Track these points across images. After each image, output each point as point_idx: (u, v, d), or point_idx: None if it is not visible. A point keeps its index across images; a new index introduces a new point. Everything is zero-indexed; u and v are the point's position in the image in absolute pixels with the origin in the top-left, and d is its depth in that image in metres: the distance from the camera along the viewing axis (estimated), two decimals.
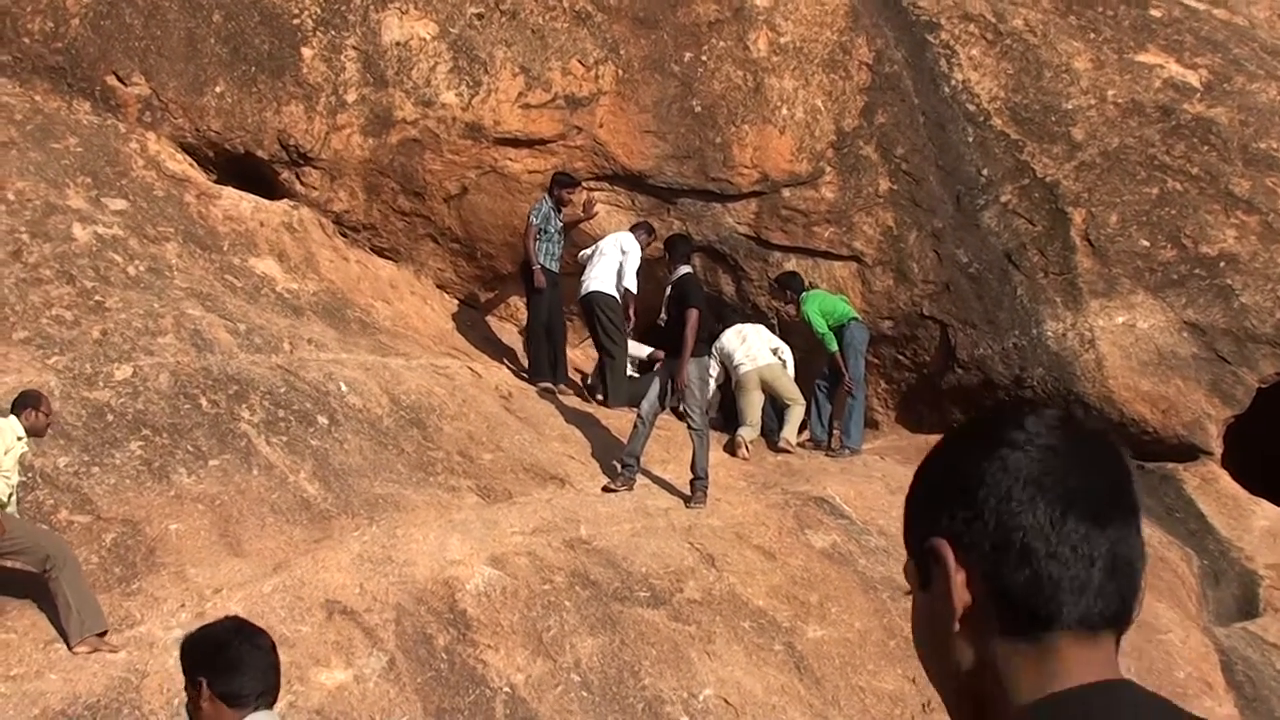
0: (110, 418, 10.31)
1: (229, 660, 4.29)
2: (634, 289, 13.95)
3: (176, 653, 8.68)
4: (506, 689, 8.93)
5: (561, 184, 14.03)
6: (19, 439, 8.92)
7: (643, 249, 14.19)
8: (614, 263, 13.98)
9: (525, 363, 14.24)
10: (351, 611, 9.23)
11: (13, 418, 8.99)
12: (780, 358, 13.92)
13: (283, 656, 8.74)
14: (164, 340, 11.25)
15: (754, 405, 13.63)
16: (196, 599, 9.15)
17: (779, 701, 9.32)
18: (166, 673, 8.56)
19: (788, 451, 13.48)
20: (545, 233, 13.90)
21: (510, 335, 15.01)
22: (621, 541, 10.61)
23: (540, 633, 9.42)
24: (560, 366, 14.10)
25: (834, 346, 13.65)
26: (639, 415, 12.14)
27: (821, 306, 13.82)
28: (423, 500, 10.67)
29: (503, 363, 14.25)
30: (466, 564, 9.86)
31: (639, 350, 14.44)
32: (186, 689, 4.31)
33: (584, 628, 9.55)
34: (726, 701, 9.20)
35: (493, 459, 11.54)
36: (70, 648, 8.60)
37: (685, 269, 12.44)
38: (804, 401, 13.85)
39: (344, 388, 11.56)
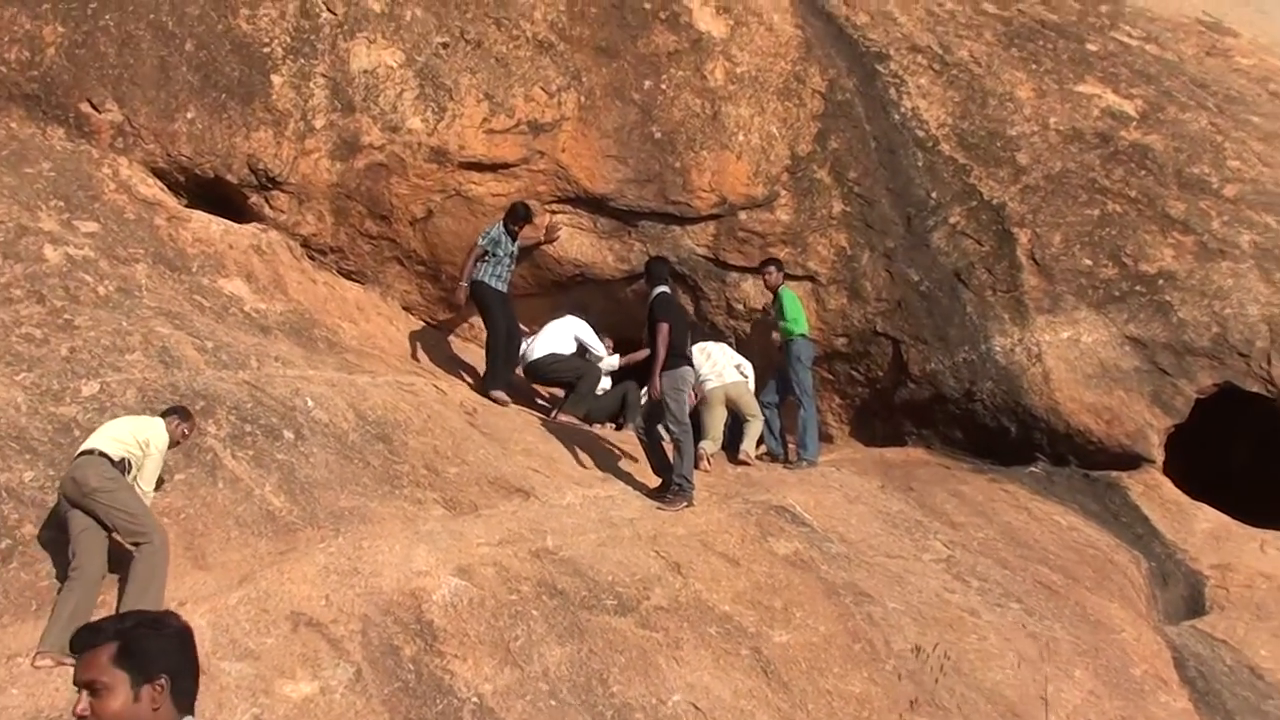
0: (77, 433, 9.67)
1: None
2: (601, 351, 14.00)
3: None
4: (474, 699, 8.32)
5: (514, 217, 13.62)
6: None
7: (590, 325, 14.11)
8: (558, 337, 13.79)
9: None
10: (317, 623, 8.62)
11: (160, 421, 9.21)
12: (743, 374, 13.51)
13: (248, 669, 8.22)
14: (131, 357, 10.67)
15: (717, 421, 13.19)
16: None
17: (747, 706, 8.73)
18: None
19: (747, 464, 13.01)
20: (494, 255, 13.51)
21: (474, 355, 14.46)
22: (587, 551, 10.02)
23: (508, 642, 8.81)
24: (508, 373, 13.64)
25: (798, 330, 13.47)
26: (640, 436, 12.13)
27: (794, 303, 13.69)
28: (389, 512, 10.05)
29: (467, 381, 13.71)
30: (433, 575, 9.24)
31: (610, 361, 13.96)
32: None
33: (551, 636, 8.94)
34: (695, 706, 8.61)
35: (458, 472, 10.94)
36: (35, 655, 8.04)
37: (662, 288, 12.06)
38: (762, 417, 13.43)
39: (310, 403, 10.95)
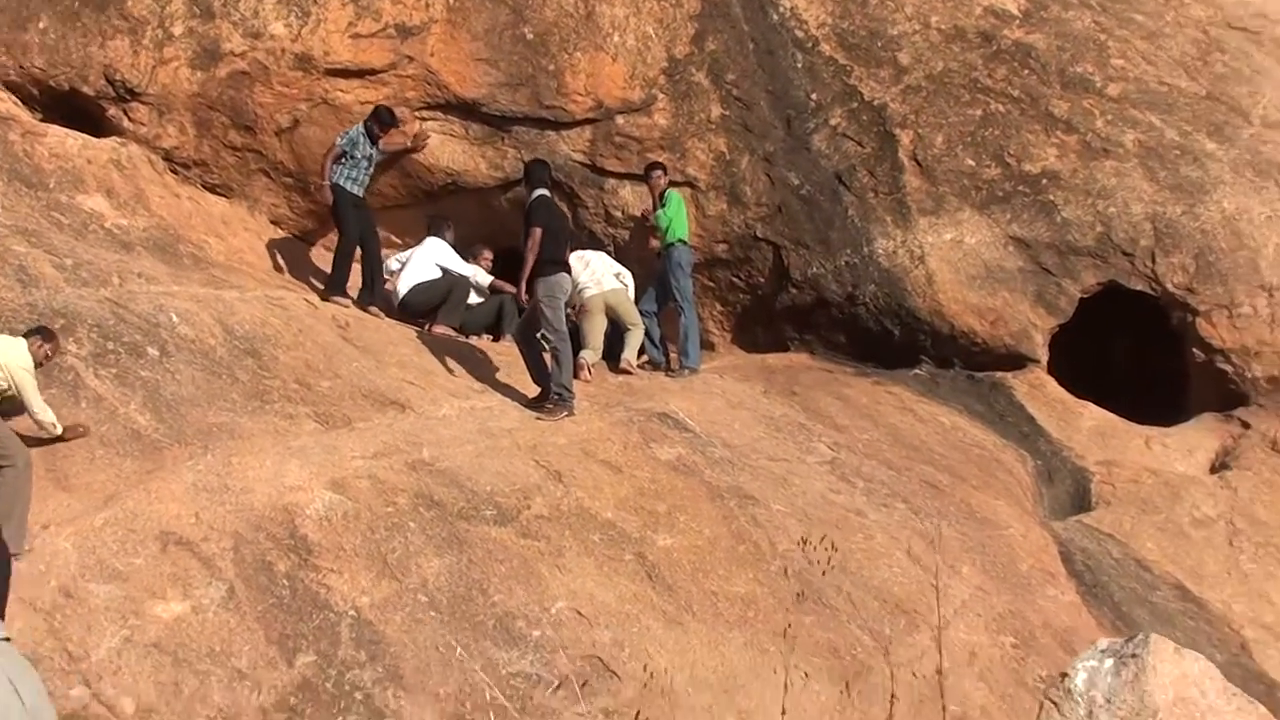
0: None
1: None
2: (467, 271, 13.71)
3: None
4: (352, 612, 8.24)
5: (378, 120, 13.37)
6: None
7: (449, 240, 13.91)
8: (421, 268, 13.55)
9: (354, 292, 13.43)
10: (187, 542, 8.47)
11: (21, 340, 9.00)
12: (623, 282, 13.44)
13: (116, 590, 8.06)
14: None
15: (597, 329, 13.11)
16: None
17: (632, 609, 8.74)
18: None
19: (629, 373, 12.99)
20: (351, 158, 13.21)
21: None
22: (465, 462, 9.94)
23: (385, 554, 8.72)
24: (376, 285, 13.46)
25: (678, 235, 13.47)
26: (518, 346, 11.99)
27: (680, 208, 13.64)
28: (259, 428, 9.89)
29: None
30: (306, 489, 9.12)
31: (481, 279, 13.80)
32: None
33: (430, 548, 8.87)
34: (579, 613, 8.60)
35: (331, 386, 10.80)
36: None
37: (540, 192, 11.93)
38: (643, 325, 13.38)
39: (175, 319, 10.73)
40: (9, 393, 8.82)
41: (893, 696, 8.13)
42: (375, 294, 13.33)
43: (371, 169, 13.47)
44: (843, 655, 8.79)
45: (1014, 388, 13.37)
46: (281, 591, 8.28)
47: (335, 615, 8.20)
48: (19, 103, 13.02)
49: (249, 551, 8.50)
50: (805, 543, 8.94)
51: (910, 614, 9.30)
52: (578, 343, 12.60)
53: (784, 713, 7.50)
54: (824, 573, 8.95)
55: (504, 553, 8.98)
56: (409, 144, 14.06)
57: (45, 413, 8.88)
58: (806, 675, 8.21)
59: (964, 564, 10.12)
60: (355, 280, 13.42)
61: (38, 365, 9.03)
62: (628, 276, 13.58)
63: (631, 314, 13.35)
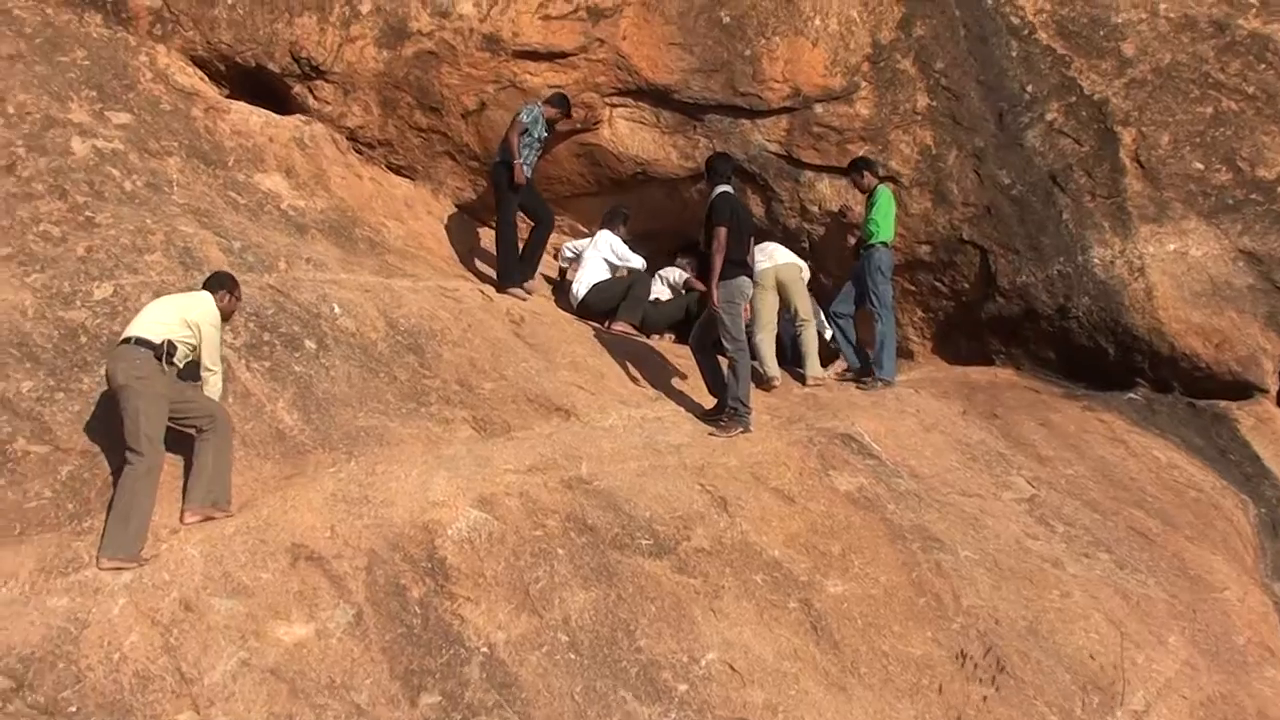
0: (83, 339, 9.00)
1: None
2: (637, 263, 13.03)
3: (122, 600, 7.27)
4: (484, 649, 7.41)
5: (552, 103, 12.62)
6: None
7: (622, 234, 13.18)
8: (595, 267, 12.88)
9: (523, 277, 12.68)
10: (319, 557, 7.81)
11: (206, 295, 8.70)
12: (800, 264, 12.44)
13: (239, 607, 7.29)
14: (151, 258, 9.91)
15: (769, 306, 12.08)
16: (152, 540, 7.79)
17: (791, 668, 7.67)
18: (109, 623, 7.21)
19: (819, 384, 11.91)
20: (529, 135, 12.43)
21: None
22: (625, 482, 9.00)
23: (527, 585, 7.85)
24: (533, 264, 12.80)
25: (880, 236, 12.32)
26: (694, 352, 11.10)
27: (890, 207, 12.56)
28: (410, 433, 9.13)
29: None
30: (450, 506, 8.32)
31: (675, 275, 12.95)
32: None
33: (576, 580, 7.95)
34: (731, 667, 7.58)
35: (494, 388, 9.96)
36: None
37: (724, 188, 10.90)
38: (814, 323, 12.27)
39: (337, 310, 10.07)
40: (192, 355, 8.49)
41: None
42: (529, 272, 12.70)
43: (541, 150, 12.77)
44: None
45: (1239, 420, 11.88)
46: (412, 620, 7.54)
47: (466, 651, 7.40)
48: (205, 78, 12.61)
49: (382, 573, 7.79)
50: (965, 657, 7.69)
51: (1105, 691, 7.99)
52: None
53: None
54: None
55: (656, 589, 8.02)
56: (578, 125, 13.30)
57: (219, 375, 8.54)
58: None
59: (1171, 633, 8.71)
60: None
61: (225, 319, 8.81)
62: (806, 271, 12.54)
63: (802, 299, 12.37)
